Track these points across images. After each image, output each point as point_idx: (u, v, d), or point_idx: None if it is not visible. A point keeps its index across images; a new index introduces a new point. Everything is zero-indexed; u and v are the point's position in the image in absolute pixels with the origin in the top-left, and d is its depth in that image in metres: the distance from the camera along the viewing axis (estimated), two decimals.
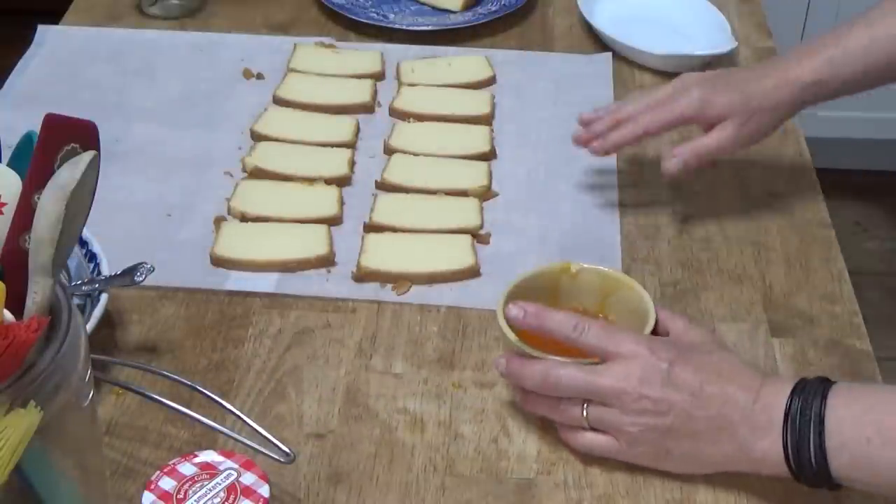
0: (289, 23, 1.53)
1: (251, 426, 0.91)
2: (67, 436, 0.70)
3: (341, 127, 1.31)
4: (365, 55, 1.44)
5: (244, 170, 1.24)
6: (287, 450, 0.88)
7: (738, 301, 1.10)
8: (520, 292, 0.95)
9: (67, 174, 0.68)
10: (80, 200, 0.70)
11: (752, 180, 1.27)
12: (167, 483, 0.81)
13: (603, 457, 0.92)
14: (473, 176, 1.23)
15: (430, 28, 1.50)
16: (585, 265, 0.98)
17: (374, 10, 1.53)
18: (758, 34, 1.52)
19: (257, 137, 1.29)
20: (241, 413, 0.92)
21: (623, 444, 0.90)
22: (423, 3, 1.56)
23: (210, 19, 1.53)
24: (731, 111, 1.14)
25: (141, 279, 1.02)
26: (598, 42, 1.49)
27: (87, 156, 0.69)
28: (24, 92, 1.36)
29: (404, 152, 1.27)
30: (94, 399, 0.72)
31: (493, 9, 1.54)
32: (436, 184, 1.22)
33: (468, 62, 1.43)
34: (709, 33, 1.46)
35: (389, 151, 1.27)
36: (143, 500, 0.80)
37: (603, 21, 1.49)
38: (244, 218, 1.17)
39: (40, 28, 1.47)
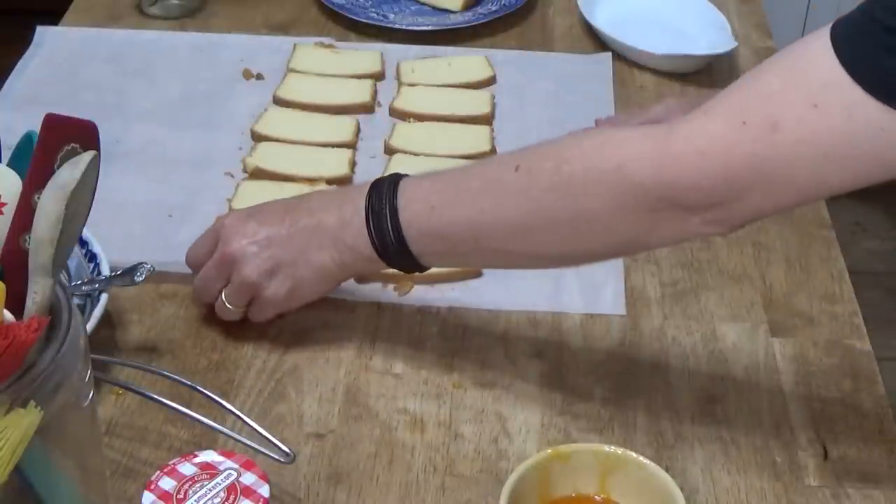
0: (289, 23, 1.52)
1: (251, 426, 0.91)
2: (67, 436, 0.70)
3: (342, 127, 1.31)
4: (365, 55, 1.43)
5: (245, 170, 1.24)
6: (287, 450, 0.88)
7: (738, 301, 1.10)
8: (517, 490, 0.83)
9: (67, 174, 0.68)
10: (80, 200, 0.69)
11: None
12: (167, 483, 0.81)
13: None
14: None
15: (430, 28, 1.50)
16: (580, 445, 0.88)
17: (374, 10, 1.53)
18: (758, 34, 1.52)
19: (258, 138, 1.29)
20: (241, 413, 0.92)
21: (256, 284, 0.99)
22: (423, 3, 1.56)
23: (210, 19, 1.53)
24: None
25: (141, 279, 1.02)
26: (598, 42, 1.49)
27: (87, 156, 0.69)
28: (24, 93, 1.35)
29: (405, 152, 1.27)
30: (94, 399, 0.72)
31: (493, 9, 1.54)
32: None
33: (468, 62, 1.43)
34: (709, 33, 1.46)
35: (390, 151, 1.27)
36: (143, 500, 0.80)
37: (603, 21, 1.49)
38: None
39: (39, 29, 1.47)
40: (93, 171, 0.70)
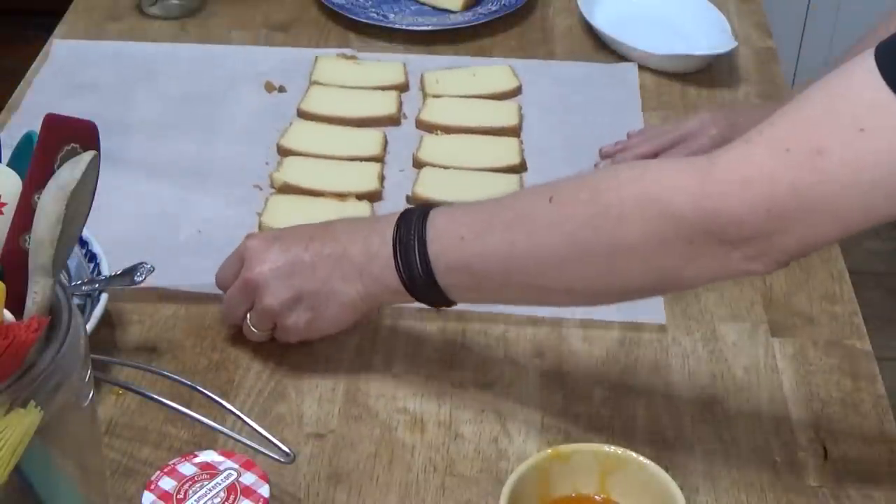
0: (289, 22, 1.52)
1: (251, 426, 0.91)
2: (67, 436, 0.70)
3: (369, 140, 1.29)
4: (387, 66, 1.41)
5: (272, 185, 1.22)
6: (287, 450, 0.88)
7: (738, 301, 1.10)
8: (517, 490, 0.83)
9: (67, 174, 0.68)
10: (80, 200, 0.70)
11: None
12: (167, 483, 0.81)
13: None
14: (505, 189, 1.20)
15: (430, 28, 1.50)
16: (580, 445, 0.87)
17: (374, 10, 1.53)
18: (758, 34, 1.52)
19: (284, 152, 1.27)
20: (241, 413, 0.92)
21: (278, 313, 0.98)
22: (423, 3, 1.56)
23: (210, 19, 1.53)
24: None
25: (141, 279, 1.02)
26: (598, 42, 1.48)
27: (87, 156, 0.69)
28: (43, 109, 1.33)
29: (434, 165, 1.25)
30: (94, 399, 0.72)
31: (493, 9, 1.54)
32: (467, 197, 1.17)
33: (493, 72, 1.41)
34: (709, 33, 1.46)
35: (419, 165, 1.26)
36: (143, 500, 0.80)
37: (603, 21, 1.49)
38: None
39: (56, 42, 1.44)
40: (93, 171, 0.70)
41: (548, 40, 1.51)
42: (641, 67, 1.44)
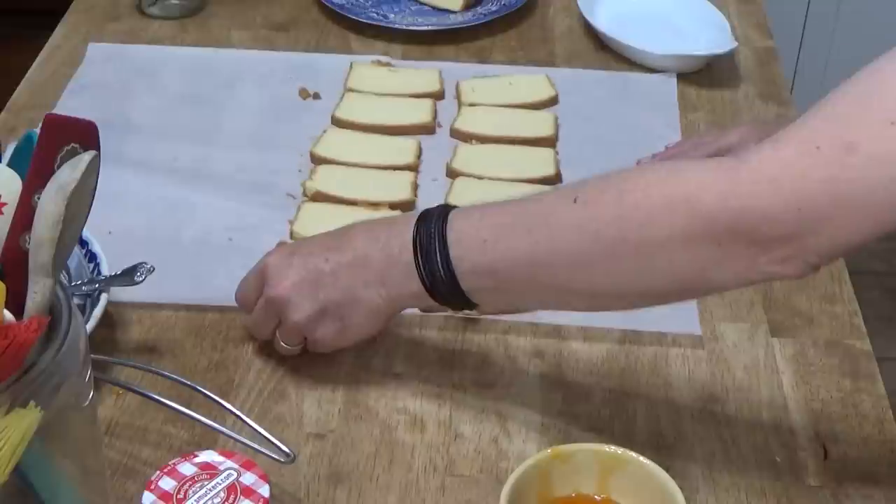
0: (289, 22, 1.52)
1: (251, 426, 0.91)
2: (67, 436, 0.70)
3: (403, 149, 1.28)
4: (423, 74, 1.40)
5: (305, 193, 1.21)
6: (287, 450, 0.89)
7: (738, 301, 1.10)
8: (517, 490, 0.83)
9: (67, 174, 0.68)
10: (80, 200, 0.69)
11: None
12: (167, 483, 0.81)
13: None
14: None
15: (430, 28, 1.50)
16: (580, 445, 0.87)
17: (374, 10, 1.53)
18: (758, 34, 1.52)
19: (317, 160, 1.26)
20: (241, 413, 0.92)
21: (305, 327, 0.97)
22: (423, 3, 1.56)
23: (210, 19, 1.53)
24: None
25: (141, 279, 1.02)
26: (598, 42, 1.49)
27: (87, 156, 0.69)
28: (77, 113, 1.31)
29: (468, 175, 1.24)
30: (94, 399, 0.72)
31: (493, 9, 1.54)
32: None
33: (529, 81, 1.39)
34: (709, 33, 1.46)
35: (453, 174, 1.24)
36: (143, 500, 0.80)
37: (603, 21, 1.49)
38: None
39: (91, 46, 1.44)
40: (93, 171, 0.70)
41: (548, 40, 1.51)
42: (641, 67, 1.44)
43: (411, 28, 1.49)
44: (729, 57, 1.44)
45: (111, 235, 1.09)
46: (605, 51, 1.47)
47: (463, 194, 1.19)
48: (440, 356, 1.03)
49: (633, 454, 0.85)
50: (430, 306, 0.95)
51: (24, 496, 0.68)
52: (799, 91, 2.77)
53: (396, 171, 1.24)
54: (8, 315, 0.68)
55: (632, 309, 0.95)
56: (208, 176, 1.24)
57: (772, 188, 0.78)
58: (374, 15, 1.52)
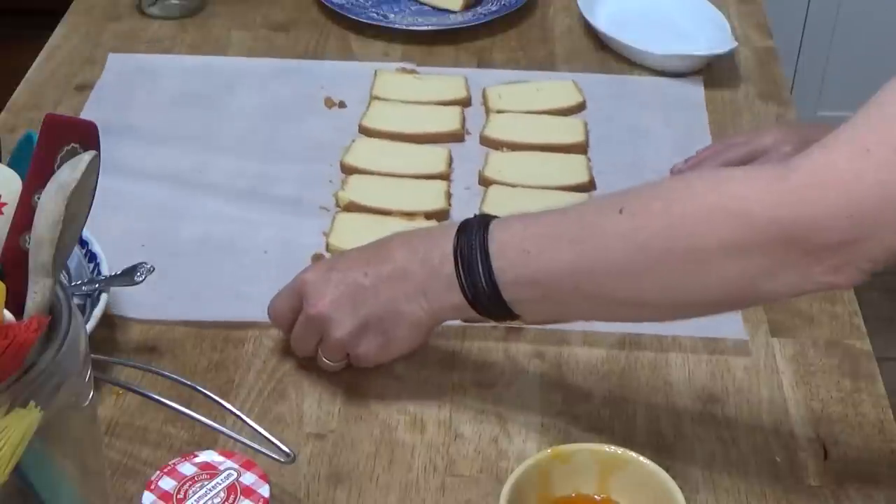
0: (289, 22, 1.52)
1: (251, 426, 0.91)
2: (67, 436, 0.70)
3: (434, 157, 1.26)
4: (448, 80, 1.39)
5: (338, 204, 1.19)
6: (287, 450, 0.89)
7: None
8: (517, 490, 0.83)
9: (67, 174, 0.68)
10: (80, 200, 0.69)
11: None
12: (167, 483, 0.81)
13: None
14: None
15: (430, 28, 1.50)
16: (580, 445, 0.87)
17: (374, 9, 1.53)
18: (758, 34, 1.52)
19: (348, 170, 1.25)
20: (241, 413, 0.92)
21: (348, 344, 0.96)
22: (423, 3, 1.56)
23: (210, 19, 1.53)
24: None
25: (141, 279, 1.02)
26: (598, 42, 1.49)
27: (87, 156, 0.69)
28: (100, 124, 1.30)
29: (501, 183, 1.23)
30: (94, 399, 0.72)
31: (493, 9, 1.54)
32: None
33: (556, 87, 1.39)
34: (709, 33, 1.46)
35: (485, 183, 1.23)
36: (143, 500, 0.80)
37: (603, 21, 1.49)
38: None
39: (111, 56, 1.42)
40: (93, 171, 0.70)
41: (548, 40, 1.51)
42: (641, 67, 1.44)
43: (411, 28, 1.49)
44: (729, 57, 1.44)
45: (144, 248, 1.10)
46: (605, 51, 1.47)
47: (497, 203, 1.19)
48: (440, 357, 1.03)
49: (633, 454, 0.85)
50: (472, 317, 0.94)
51: (24, 496, 0.68)
52: (799, 91, 2.77)
53: (429, 180, 1.23)
54: (8, 315, 0.68)
55: (679, 319, 0.94)
56: (240, 190, 1.22)
57: (822, 195, 0.77)
58: (374, 15, 1.52)
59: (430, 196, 1.21)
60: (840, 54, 2.82)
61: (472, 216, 0.93)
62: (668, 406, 0.99)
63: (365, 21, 1.50)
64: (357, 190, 1.21)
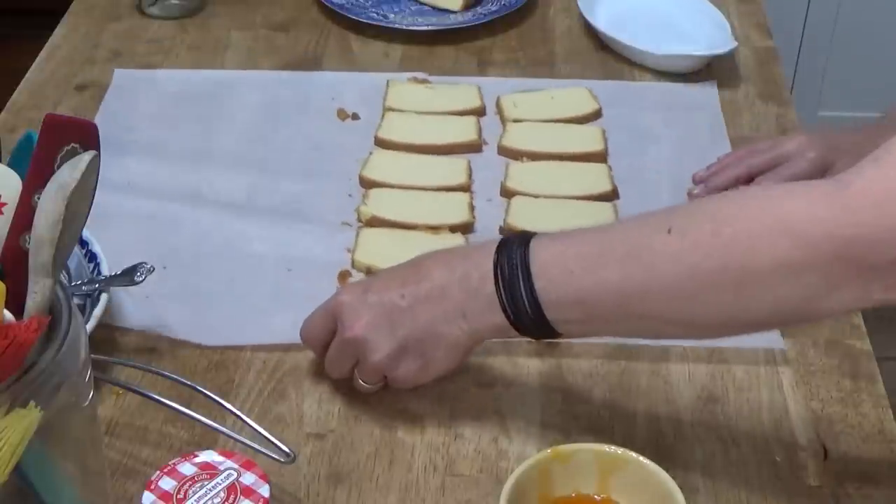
0: (289, 22, 1.53)
1: (251, 426, 0.91)
2: (67, 436, 0.70)
3: (454, 169, 1.25)
4: (462, 90, 1.38)
5: (360, 219, 1.18)
6: (287, 450, 0.89)
7: None
8: (517, 490, 0.83)
9: (67, 174, 0.68)
10: (80, 200, 0.69)
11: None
12: (167, 483, 0.81)
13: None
14: (600, 219, 1.15)
15: (430, 28, 1.50)
16: (580, 445, 0.87)
17: (374, 9, 1.53)
18: (758, 34, 1.52)
19: (367, 184, 1.23)
20: (241, 413, 0.92)
21: (386, 367, 0.94)
22: (423, 3, 1.56)
23: (210, 19, 1.53)
24: None
25: (141, 279, 1.02)
26: (598, 42, 1.49)
27: (87, 156, 0.69)
28: (114, 140, 1.23)
29: (524, 194, 1.21)
30: (94, 399, 0.72)
31: (493, 9, 1.54)
32: (563, 227, 1.11)
33: (571, 95, 1.37)
34: (709, 33, 1.46)
35: (508, 194, 1.22)
36: (143, 500, 0.80)
37: (603, 21, 1.49)
38: (370, 273, 1.09)
39: (118, 72, 1.40)
40: (93, 171, 0.70)
41: (548, 40, 1.51)
42: (641, 67, 1.44)
43: (411, 28, 1.49)
44: (729, 57, 1.44)
45: (166, 270, 1.08)
46: (605, 51, 1.47)
47: (522, 214, 1.18)
48: None
49: (633, 454, 0.85)
50: (510, 335, 0.92)
51: (24, 496, 0.68)
52: (799, 91, 2.77)
53: (450, 193, 1.22)
54: (8, 315, 0.68)
55: (728, 336, 0.94)
56: (259, 207, 1.20)
57: (879, 212, 0.76)
58: (374, 15, 1.52)
59: (453, 208, 1.19)
60: (840, 54, 2.82)
61: (507, 235, 0.91)
62: (668, 406, 0.99)
63: (365, 21, 1.50)
64: (379, 204, 1.19)
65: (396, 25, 1.49)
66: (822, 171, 1.16)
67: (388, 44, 1.48)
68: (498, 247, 0.90)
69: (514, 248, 0.89)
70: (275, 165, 1.26)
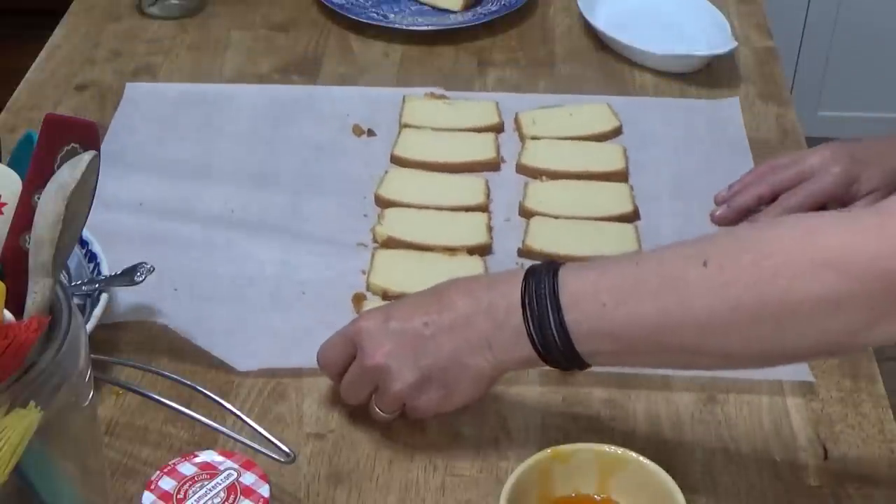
0: (289, 22, 1.53)
1: (251, 426, 0.91)
2: (67, 436, 0.70)
3: (471, 188, 1.22)
4: (479, 106, 1.35)
5: (376, 240, 1.15)
6: (287, 450, 0.89)
7: None
8: (517, 490, 0.83)
9: (67, 174, 0.68)
10: (80, 200, 0.70)
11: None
12: (167, 483, 0.81)
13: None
14: (622, 240, 1.14)
15: (430, 28, 1.50)
16: (580, 445, 0.87)
17: (374, 9, 1.53)
18: (758, 34, 1.52)
19: (383, 203, 1.20)
20: (241, 413, 0.92)
21: (407, 396, 0.91)
22: (423, 3, 1.56)
23: (210, 19, 1.53)
24: (877, 185, 1.12)
25: (141, 279, 1.02)
26: (598, 42, 1.49)
27: (87, 156, 0.69)
28: (121, 157, 1.24)
29: (543, 215, 1.18)
30: (94, 399, 0.72)
31: (493, 9, 1.54)
32: (583, 250, 1.12)
33: (590, 111, 1.34)
34: (709, 33, 1.46)
35: (527, 214, 1.19)
36: (143, 500, 0.80)
37: (603, 21, 1.49)
38: (386, 296, 1.07)
39: (129, 86, 1.37)
40: (93, 171, 0.70)
41: (548, 40, 1.51)
42: (641, 67, 1.44)
43: (411, 28, 1.49)
44: (729, 57, 1.44)
45: (177, 292, 1.07)
46: (605, 51, 1.47)
47: (541, 235, 1.15)
48: None
49: (633, 454, 0.85)
50: (537, 366, 0.91)
51: (24, 496, 0.68)
52: (799, 91, 2.78)
53: (468, 213, 1.19)
54: (8, 315, 0.68)
55: (765, 367, 0.93)
56: (272, 226, 1.17)
57: None
58: (374, 15, 1.52)
59: (470, 229, 1.16)
60: (840, 54, 2.83)
61: (535, 264, 0.89)
62: (667, 406, 0.99)
63: (365, 21, 1.50)
64: (395, 224, 1.16)
65: (396, 25, 1.49)
66: (847, 184, 1.14)
67: (388, 44, 1.48)
68: (525, 277, 0.88)
69: (542, 279, 0.87)
70: (288, 183, 1.23)
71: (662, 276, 0.84)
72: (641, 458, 0.85)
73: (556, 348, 0.86)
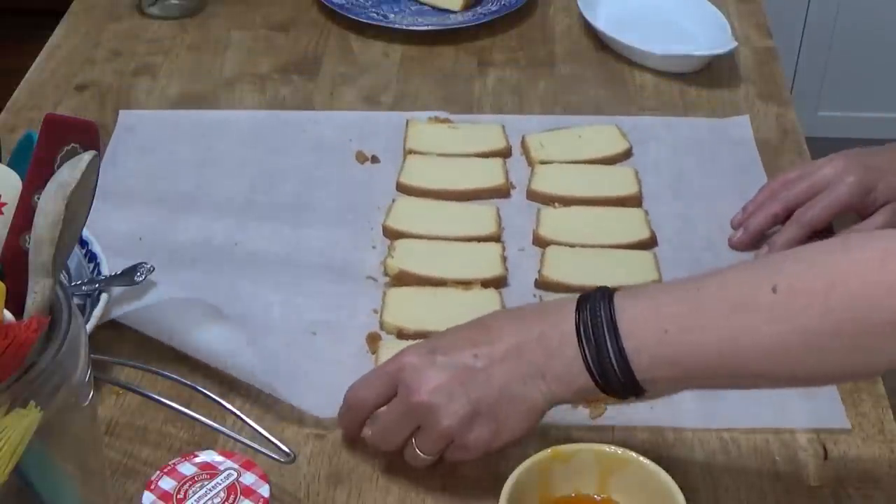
0: (289, 22, 1.53)
1: (251, 426, 0.91)
2: (67, 436, 0.70)
3: (482, 216, 1.18)
4: (485, 129, 1.31)
5: (387, 273, 1.10)
6: (287, 450, 0.89)
7: None
8: (517, 490, 0.83)
9: (67, 174, 0.68)
10: (80, 200, 0.70)
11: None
12: (167, 483, 0.81)
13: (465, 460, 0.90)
14: (641, 269, 1.11)
15: (430, 28, 1.50)
16: (580, 445, 0.87)
17: (374, 9, 1.53)
18: (758, 34, 1.52)
19: (392, 234, 1.15)
20: (241, 413, 0.92)
21: (457, 432, 0.88)
22: (423, 3, 1.56)
23: (210, 19, 1.53)
24: (893, 195, 1.12)
25: (141, 279, 1.02)
26: (598, 42, 1.49)
27: (87, 156, 0.69)
28: (120, 189, 1.20)
29: (559, 244, 1.14)
30: (94, 399, 0.72)
31: (493, 9, 1.54)
32: (602, 281, 1.06)
33: (599, 133, 1.31)
34: (709, 33, 1.46)
35: (541, 243, 1.15)
36: (143, 500, 0.80)
37: (603, 21, 1.49)
38: (401, 334, 1.04)
39: (122, 113, 1.33)
40: (93, 170, 0.70)
41: (548, 40, 1.51)
42: (641, 67, 1.44)
43: (411, 28, 1.49)
44: (729, 57, 1.44)
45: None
46: (605, 51, 1.47)
47: (557, 265, 1.11)
48: None
49: (633, 454, 0.85)
50: (592, 396, 0.89)
51: (24, 496, 0.68)
52: (799, 91, 2.78)
53: (480, 244, 1.14)
54: (8, 315, 0.68)
55: (829, 385, 0.93)
56: (277, 260, 1.12)
57: None
58: (374, 15, 1.52)
59: (484, 261, 1.12)
60: (840, 54, 2.83)
61: (588, 290, 0.87)
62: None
63: (365, 21, 1.50)
64: (406, 257, 1.11)
65: (396, 25, 1.49)
66: (863, 194, 1.13)
67: (388, 44, 1.48)
68: (577, 304, 0.86)
69: (598, 306, 0.85)
70: (290, 213, 1.19)
71: (727, 302, 0.82)
72: (641, 458, 0.85)
73: (615, 377, 0.84)
